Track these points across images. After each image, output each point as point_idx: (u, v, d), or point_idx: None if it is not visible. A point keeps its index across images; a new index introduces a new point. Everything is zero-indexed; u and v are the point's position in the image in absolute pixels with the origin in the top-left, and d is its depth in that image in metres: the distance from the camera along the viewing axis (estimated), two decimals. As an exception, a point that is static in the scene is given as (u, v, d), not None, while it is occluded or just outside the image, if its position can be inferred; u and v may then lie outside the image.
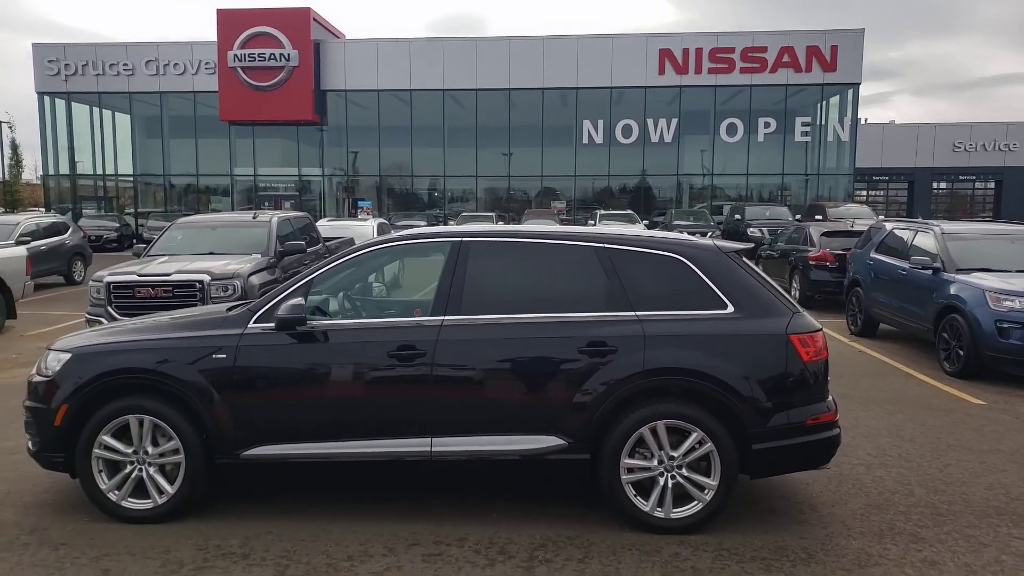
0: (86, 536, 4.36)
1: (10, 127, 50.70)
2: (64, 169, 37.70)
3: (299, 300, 4.48)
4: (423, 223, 29.74)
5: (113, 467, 4.56)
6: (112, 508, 4.54)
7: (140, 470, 4.54)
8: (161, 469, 4.55)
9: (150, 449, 4.52)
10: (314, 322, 4.57)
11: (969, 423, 6.69)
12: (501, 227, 5.91)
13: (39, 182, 61.45)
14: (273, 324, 4.51)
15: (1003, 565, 4.00)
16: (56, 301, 15.03)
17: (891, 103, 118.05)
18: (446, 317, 4.48)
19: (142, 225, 33.30)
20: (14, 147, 52.48)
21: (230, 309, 4.95)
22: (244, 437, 4.46)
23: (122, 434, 4.54)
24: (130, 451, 4.52)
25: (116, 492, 4.54)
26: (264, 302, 4.66)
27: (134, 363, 4.56)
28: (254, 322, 4.57)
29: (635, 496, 4.33)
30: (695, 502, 4.32)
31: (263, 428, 4.48)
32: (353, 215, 32.57)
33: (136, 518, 4.53)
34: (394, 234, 5.27)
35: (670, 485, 4.31)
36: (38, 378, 4.71)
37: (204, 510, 4.64)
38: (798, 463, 4.54)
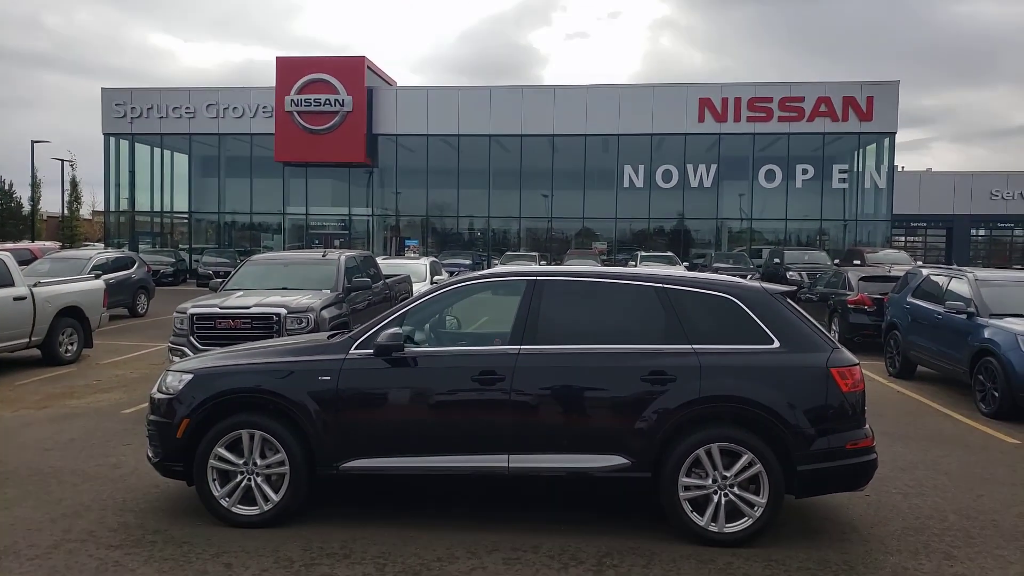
0: (203, 536, 4.94)
1: (71, 165, 53.02)
2: (124, 205, 39.42)
3: (396, 329, 5.11)
4: (469, 262, 30.57)
5: (225, 476, 5.14)
6: (223, 513, 5.11)
7: (249, 479, 5.11)
8: (267, 479, 5.12)
9: (258, 461, 5.11)
10: (407, 349, 5.18)
11: (1003, 460, 7.07)
12: (570, 267, 6.52)
13: (91, 217, 64.06)
14: (372, 350, 5.13)
15: (1027, 580, 4.44)
16: (124, 332, 15.82)
17: (928, 150, 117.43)
18: (523, 346, 5.07)
19: (196, 260, 34.52)
20: (74, 184, 54.93)
21: (330, 337, 5.61)
22: (343, 451, 5.05)
23: (234, 447, 5.12)
24: (241, 462, 5.11)
25: (227, 499, 5.11)
26: (364, 331, 5.29)
27: (248, 383, 5.19)
28: (355, 348, 5.19)
29: (691, 512, 4.84)
30: (746, 518, 4.81)
31: (360, 443, 5.06)
32: (400, 254, 33.52)
33: (244, 523, 5.08)
34: (475, 273, 5.91)
35: (723, 502, 4.82)
36: (160, 396, 5.34)
37: (302, 517, 5.21)
38: (839, 484, 5.03)
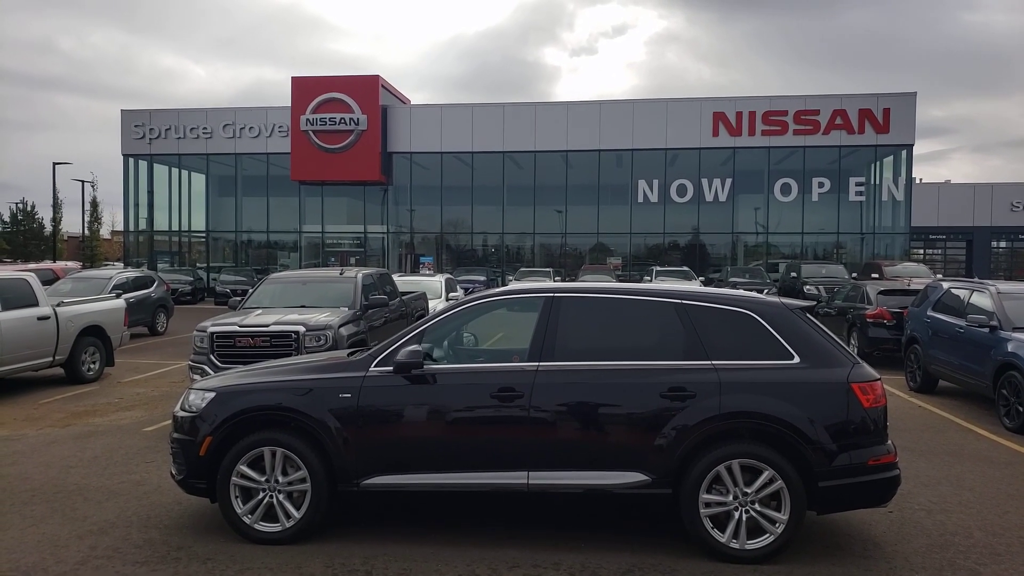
0: (227, 553, 4.98)
1: (93, 186, 53.79)
2: (143, 225, 39.92)
3: (416, 347, 5.15)
4: (483, 278, 30.63)
5: (247, 493, 5.19)
6: (245, 530, 5.16)
7: (271, 496, 5.15)
8: (289, 496, 5.17)
9: (280, 478, 5.15)
10: (427, 366, 5.21)
11: (1028, 475, 6.99)
12: (587, 283, 6.54)
13: (111, 237, 64.92)
14: (392, 368, 5.16)
15: (1055, 596, 4.38)
16: (144, 351, 16.00)
17: (945, 161, 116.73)
18: (541, 363, 5.09)
19: (214, 279, 34.83)
20: (94, 204, 55.78)
21: (350, 355, 5.65)
22: (364, 468, 5.08)
23: (256, 464, 5.17)
24: (263, 479, 5.16)
25: (249, 516, 5.16)
26: (383, 348, 5.34)
27: (270, 401, 5.24)
28: (375, 366, 5.24)
29: (712, 528, 4.82)
30: (767, 534, 4.79)
31: (380, 460, 5.09)
32: (415, 270, 33.65)
33: (266, 540, 5.12)
34: (493, 290, 5.94)
35: (744, 519, 4.80)
36: (183, 414, 5.40)
37: (324, 533, 5.24)
38: (861, 500, 4.99)
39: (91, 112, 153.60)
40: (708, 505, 4.83)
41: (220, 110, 38.08)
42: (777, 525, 4.77)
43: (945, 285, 11.57)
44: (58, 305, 11.60)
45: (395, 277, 15.11)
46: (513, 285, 6.15)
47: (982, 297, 10.15)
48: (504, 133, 35.68)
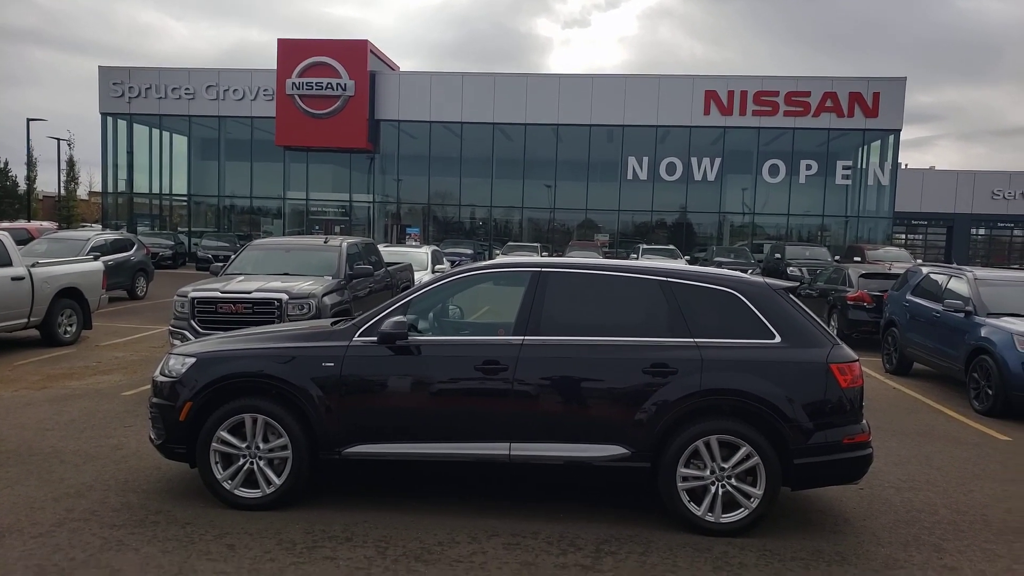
0: (206, 518, 4.98)
1: (69, 144, 52.88)
2: (122, 187, 39.35)
3: (400, 317, 5.16)
4: (471, 251, 30.58)
5: (227, 459, 5.19)
6: (225, 496, 5.16)
7: (251, 463, 5.16)
8: (270, 463, 5.17)
9: (261, 445, 5.16)
10: (411, 337, 5.22)
11: (995, 456, 7.15)
12: (574, 259, 6.55)
13: (88, 198, 63.92)
14: (376, 338, 5.17)
15: (1014, 573, 4.52)
16: (122, 315, 15.84)
17: (931, 147, 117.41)
18: (526, 337, 5.11)
19: (196, 244, 34.49)
20: (71, 164, 54.87)
21: (334, 324, 5.65)
22: (345, 436, 5.10)
23: (236, 430, 5.17)
24: (243, 446, 5.15)
25: (229, 481, 5.16)
26: (368, 318, 5.33)
27: (252, 368, 5.23)
28: (359, 336, 5.24)
29: (689, 502, 4.91)
30: (742, 509, 4.88)
31: (362, 429, 5.11)
32: (401, 241, 33.51)
33: (246, 505, 5.14)
34: (480, 263, 5.95)
35: (720, 493, 4.88)
36: (163, 379, 5.38)
37: (305, 500, 5.27)
38: (835, 477, 5.09)
39: (68, 68, 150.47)
40: (686, 479, 4.90)
41: (203, 70, 37.41)
42: (752, 500, 4.86)
43: (924, 270, 11.72)
44: (33, 266, 11.44)
45: (380, 247, 15.03)
46: (500, 259, 6.15)
47: (959, 283, 10.29)
48: (495, 104, 35.40)
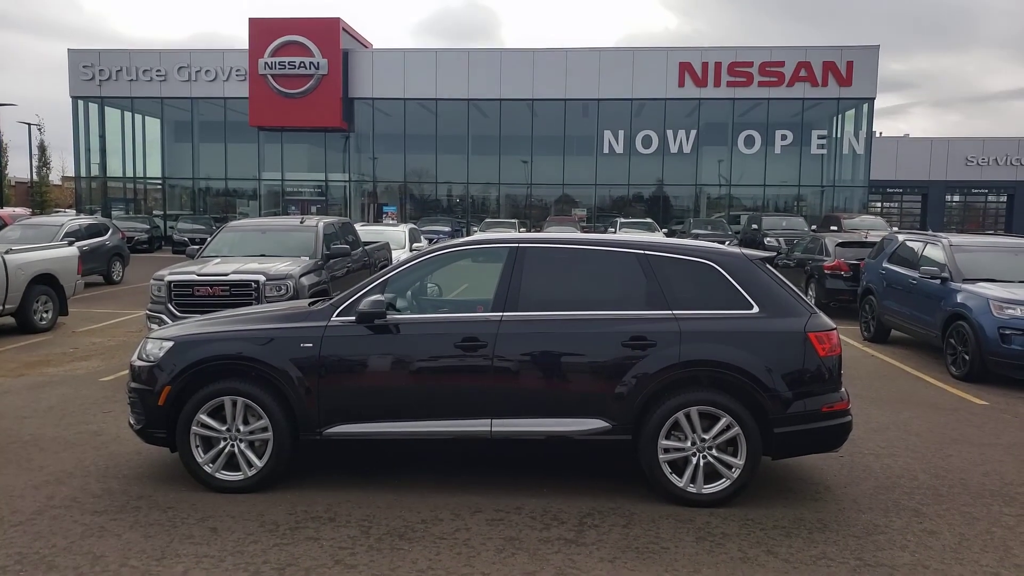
0: (188, 502, 4.96)
1: (39, 129, 51.86)
2: (95, 171, 38.73)
3: (378, 296, 5.12)
4: (448, 229, 30.46)
5: (208, 443, 5.16)
6: (207, 479, 5.14)
7: (232, 446, 5.13)
8: (251, 445, 5.15)
9: (241, 427, 5.13)
10: (389, 316, 5.19)
11: (972, 421, 7.26)
12: (552, 235, 6.54)
13: (61, 183, 62.83)
14: (354, 318, 5.13)
15: (993, 535, 4.60)
16: (99, 300, 15.69)
17: (905, 115, 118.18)
18: (505, 313, 5.10)
19: (171, 227, 34.10)
20: (42, 149, 53.86)
21: (312, 304, 5.60)
22: (326, 417, 5.08)
23: (216, 413, 5.14)
24: (224, 428, 5.12)
25: (211, 465, 5.14)
26: (346, 298, 5.29)
27: (230, 350, 5.17)
28: (336, 316, 5.19)
29: (670, 473, 4.94)
30: (723, 479, 4.92)
31: (343, 409, 5.09)
32: (378, 220, 33.30)
33: (228, 488, 5.12)
34: (458, 240, 5.90)
35: (702, 464, 4.92)
36: (140, 363, 5.32)
37: (287, 482, 5.26)
38: (814, 446, 5.15)
39: (35, 51, 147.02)
40: (667, 451, 4.93)
41: (174, 52, 36.80)
42: (733, 470, 4.90)
43: (900, 238, 11.82)
44: (6, 252, 11.26)
45: (357, 227, 14.92)
46: (478, 235, 6.11)
47: (935, 250, 10.39)
48: (469, 80, 35.13)
